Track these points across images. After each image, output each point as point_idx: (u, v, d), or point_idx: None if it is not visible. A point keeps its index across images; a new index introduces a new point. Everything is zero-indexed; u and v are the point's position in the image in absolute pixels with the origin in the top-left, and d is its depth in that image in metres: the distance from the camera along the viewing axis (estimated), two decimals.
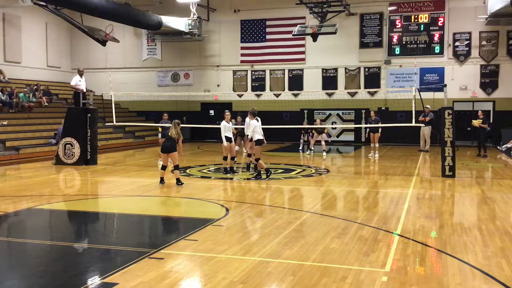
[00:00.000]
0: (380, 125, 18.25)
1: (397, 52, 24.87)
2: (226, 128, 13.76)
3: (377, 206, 9.65)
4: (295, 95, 26.30)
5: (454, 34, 24.21)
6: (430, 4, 24.36)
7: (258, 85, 27.03)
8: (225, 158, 13.88)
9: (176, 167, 11.91)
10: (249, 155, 14.38)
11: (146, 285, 5.19)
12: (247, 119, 13.93)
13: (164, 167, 12.01)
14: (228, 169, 13.90)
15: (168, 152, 11.85)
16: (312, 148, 20.14)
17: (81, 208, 9.77)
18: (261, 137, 13.18)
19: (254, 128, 13.05)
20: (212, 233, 7.40)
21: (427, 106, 18.91)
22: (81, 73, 17.14)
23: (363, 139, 25.53)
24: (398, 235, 7.28)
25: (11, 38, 24.75)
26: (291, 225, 7.87)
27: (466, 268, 5.80)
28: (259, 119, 13.73)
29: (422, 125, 17.55)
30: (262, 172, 13.10)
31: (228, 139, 13.69)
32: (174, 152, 11.78)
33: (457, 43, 24.21)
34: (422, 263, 6.00)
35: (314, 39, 21.96)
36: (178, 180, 11.81)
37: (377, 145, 18.72)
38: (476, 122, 18.67)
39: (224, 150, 13.79)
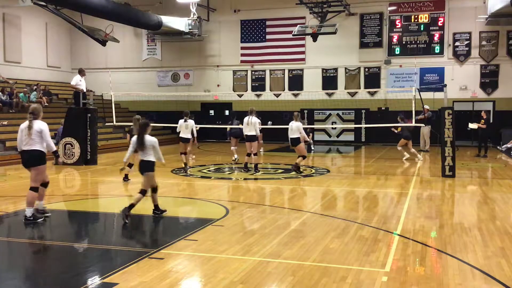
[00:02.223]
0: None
1: (397, 52, 24.87)
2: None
3: (377, 206, 9.65)
4: (295, 95, 26.30)
5: (454, 34, 24.22)
6: (430, 4, 24.37)
7: (258, 85, 27.04)
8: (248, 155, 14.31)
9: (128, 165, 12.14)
10: (248, 155, 14.39)
11: (146, 285, 5.19)
12: (246, 118, 14.23)
13: (130, 165, 12.13)
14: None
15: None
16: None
17: (81, 208, 9.77)
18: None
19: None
20: (212, 233, 7.40)
21: (426, 106, 18.88)
22: (82, 73, 16.99)
23: (363, 139, 25.55)
24: (398, 235, 7.28)
25: (11, 38, 24.75)
26: (291, 225, 7.88)
27: (466, 268, 5.80)
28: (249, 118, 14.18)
29: (422, 125, 17.54)
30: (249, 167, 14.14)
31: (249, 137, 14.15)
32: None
33: (457, 43, 24.22)
34: (422, 263, 6.00)
35: (314, 39, 21.97)
36: (126, 176, 12.34)
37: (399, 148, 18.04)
38: (474, 125, 18.50)
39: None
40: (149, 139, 8.33)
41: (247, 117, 14.20)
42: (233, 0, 26.96)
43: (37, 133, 8.03)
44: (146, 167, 8.33)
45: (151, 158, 8.35)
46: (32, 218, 8.15)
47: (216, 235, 7.32)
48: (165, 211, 8.71)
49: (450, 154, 13.15)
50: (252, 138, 14.10)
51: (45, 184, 8.47)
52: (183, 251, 6.44)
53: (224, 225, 7.91)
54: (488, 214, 8.76)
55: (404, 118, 18.12)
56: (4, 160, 16.89)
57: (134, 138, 8.58)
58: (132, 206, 8.17)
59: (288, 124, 18.43)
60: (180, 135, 14.89)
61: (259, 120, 14.74)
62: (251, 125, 14.05)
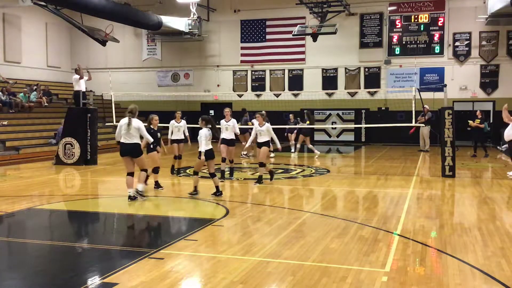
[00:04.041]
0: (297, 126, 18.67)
1: (397, 52, 24.87)
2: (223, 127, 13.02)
3: (377, 206, 9.65)
4: (295, 95, 26.30)
5: (454, 34, 24.21)
6: (430, 4, 24.37)
7: (258, 85, 27.04)
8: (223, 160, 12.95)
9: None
10: (223, 160, 12.93)
11: (146, 285, 5.19)
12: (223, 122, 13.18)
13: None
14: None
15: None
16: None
17: (81, 208, 9.77)
18: (203, 149, 10.33)
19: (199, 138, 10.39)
20: (212, 233, 7.41)
21: (426, 106, 18.90)
22: (78, 72, 16.80)
23: (363, 139, 25.55)
24: (398, 235, 7.28)
25: (11, 38, 24.75)
26: (291, 225, 7.87)
27: (466, 268, 5.80)
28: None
29: (422, 125, 17.55)
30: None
31: (224, 141, 12.75)
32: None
33: (457, 43, 24.22)
34: (422, 263, 6.00)
35: (314, 39, 21.96)
36: (157, 183, 11.41)
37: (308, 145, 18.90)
38: (473, 123, 18.56)
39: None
40: None
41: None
42: (233, 0, 26.96)
43: (135, 130, 9.88)
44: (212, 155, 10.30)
45: (210, 146, 10.17)
46: (141, 193, 9.99)
47: (216, 235, 7.33)
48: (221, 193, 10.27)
49: (450, 154, 13.14)
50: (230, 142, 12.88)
51: (145, 170, 10.22)
52: (183, 251, 6.44)
53: (224, 225, 7.91)
54: (488, 214, 8.76)
55: (310, 114, 18.83)
56: (4, 160, 16.90)
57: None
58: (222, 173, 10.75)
59: (287, 124, 18.28)
60: (174, 138, 13.64)
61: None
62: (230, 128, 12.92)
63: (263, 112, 12.81)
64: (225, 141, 12.85)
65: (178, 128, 13.60)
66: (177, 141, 13.64)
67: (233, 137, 13.07)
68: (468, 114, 23.57)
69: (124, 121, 9.94)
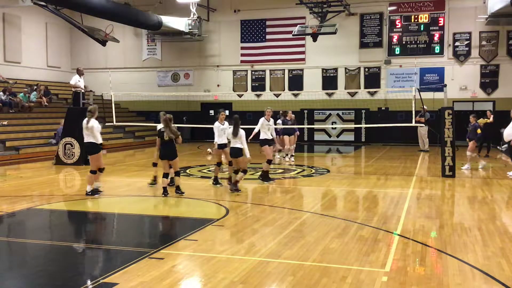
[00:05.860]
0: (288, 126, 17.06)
1: (397, 52, 24.87)
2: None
3: (377, 206, 9.65)
4: (295, 95, 26.30)
5: (454, 34, 24.22)
6: (430, 4, 24.37)
7: (258, 85, 27.04)
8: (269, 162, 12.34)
9: (177, 174, 10.60)
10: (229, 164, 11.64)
11: (146, 285, 5.19)
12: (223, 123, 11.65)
13: (166, 175, 10.47)
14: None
15: (169, 159, 10.38)
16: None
17: (81, 208, 9.77)
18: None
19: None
20: (212, 233, 7.41)
21: (424, 106, 18.88)
22: (80, 73, 17.03)
23: (363, 139, 25.54)
24: (398, 235, 7.28)
25: (11, 38, 24.75)
26: (291, 225, 7.88)
27: (466, 268, 5.80)
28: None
29: (422, 125, 17.52)
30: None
31: (264, 141, 12.38)
32: (175, 159, 10.38)
33: (457, 43, 24.22)
34: (422, 263, 6.00)
35: (314, 39, 21.97)
36: (178, 188, 10.52)
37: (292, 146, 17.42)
38: (483, 120, 18.49)
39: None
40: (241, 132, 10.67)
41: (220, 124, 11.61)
42: (233, 0, 26.96)
43: (90, 129, 10.16)
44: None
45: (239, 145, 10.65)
46: (90, 193, 10.35)
47: (216, 235, 7.33)
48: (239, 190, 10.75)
49: (450, 154, 13.14)
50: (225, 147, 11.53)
51: (101, 169, 10.56)
52: (183, 251, 6.45)
53: (224, 225, 7.91)
54: (488, 214, 8.76)
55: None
56: (4, 160, 16.90)
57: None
58: (237, 182, 10.75)
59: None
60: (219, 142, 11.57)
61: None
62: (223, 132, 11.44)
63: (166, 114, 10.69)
64: (267, 141, 12.56)
65: (224, 131, 11.38)
66: (222, 146, 11.52)
67: (268, 137, 12.64)
68: (468, 114, 23.56)
69: (84, 121, 10.34)
